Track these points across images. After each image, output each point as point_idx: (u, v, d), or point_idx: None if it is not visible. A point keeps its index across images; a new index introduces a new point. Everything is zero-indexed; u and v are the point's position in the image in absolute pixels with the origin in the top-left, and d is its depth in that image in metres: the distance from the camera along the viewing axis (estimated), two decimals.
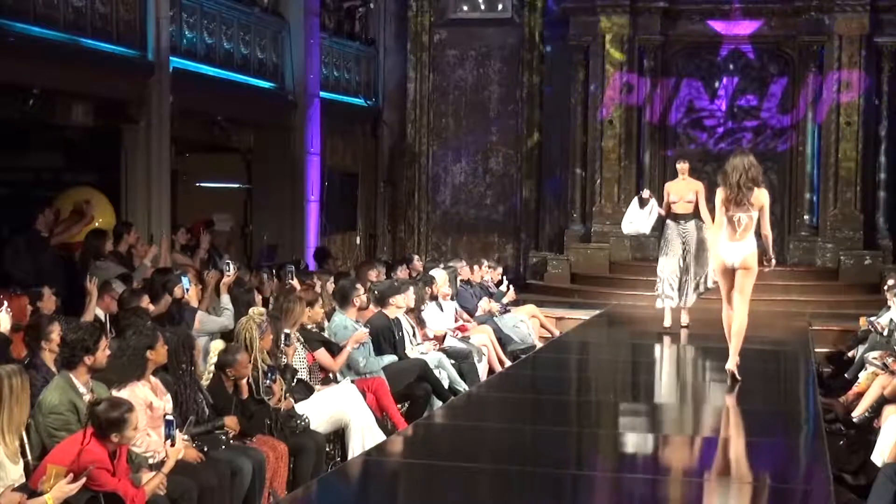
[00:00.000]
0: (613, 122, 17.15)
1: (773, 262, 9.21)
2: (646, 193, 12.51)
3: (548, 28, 18.04)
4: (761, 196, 8.71)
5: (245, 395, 7.15)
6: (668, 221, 12.24)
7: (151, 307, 8.37)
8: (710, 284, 11.80)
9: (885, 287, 11.53)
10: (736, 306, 8.90)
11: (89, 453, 5.38)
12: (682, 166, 12.32)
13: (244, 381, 7.15)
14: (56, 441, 5.78)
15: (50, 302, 7.97)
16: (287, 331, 8.06)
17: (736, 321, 8.89)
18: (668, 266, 12.16)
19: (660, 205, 12.32)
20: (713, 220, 9.30)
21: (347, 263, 15.76)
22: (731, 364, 8.88)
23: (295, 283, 10.31)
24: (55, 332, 6.57)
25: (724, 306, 9.05)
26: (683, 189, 12.19)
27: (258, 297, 9.56)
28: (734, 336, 8.91)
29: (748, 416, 8.42)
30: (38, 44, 10.40)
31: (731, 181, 8.68)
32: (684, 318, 12.29)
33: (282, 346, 7.92)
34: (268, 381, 7.29)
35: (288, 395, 7.58)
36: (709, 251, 11.32)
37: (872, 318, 11.06)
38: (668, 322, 12.20)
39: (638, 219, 12.49)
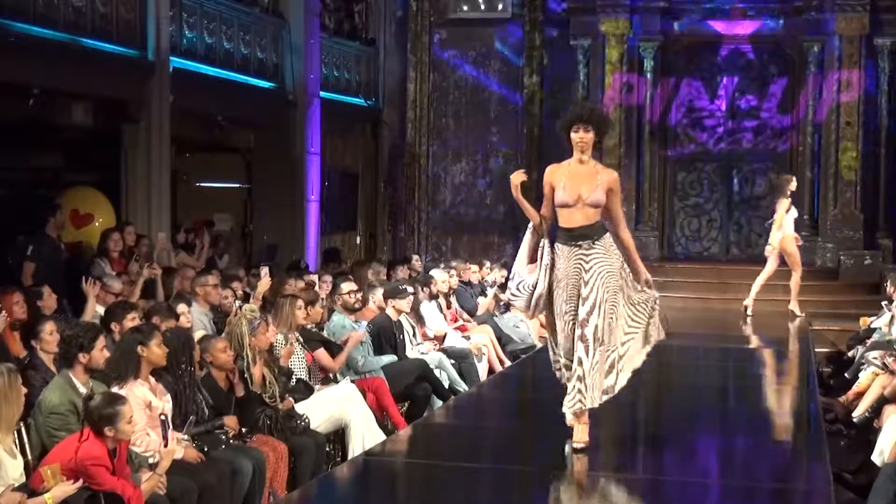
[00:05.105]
0: (613, 122, 17.12)
1: None
2: (521, 177, 6.93)
3: (548, 28, 18.04)
4: None
5: (240, 393, 7.17)
6: (556, 245, 6.70)
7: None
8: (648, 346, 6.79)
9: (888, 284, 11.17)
10: None
11: (88, 450, 5.39)
12: (583, 135, 6.65)
13: (237, 377, 7.16)
14: (56, 441, 5.80)
15: (51, 300, 7.95)
16: (285, 332, 8.06)
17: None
18: (557, 329, 6.66)
19: (534, 207, 7.00)
20: None
21: (347, 263, 15.74)
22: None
23: (264, 282, 9.37)
24: (46, 330, 6.57)
25: None
26: (580, 179, 6.62)
27: (228, 293, 9.36)
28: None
29: (748, 417, 8.42)
30: (38, 44, 10.38)
31: None
32: (578, 433, 6.56)
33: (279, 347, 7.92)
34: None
35: (288, 395, 7.59)
36: (637, 298, 6.60)
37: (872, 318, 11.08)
38: (578, 437, 6.52)
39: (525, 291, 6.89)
